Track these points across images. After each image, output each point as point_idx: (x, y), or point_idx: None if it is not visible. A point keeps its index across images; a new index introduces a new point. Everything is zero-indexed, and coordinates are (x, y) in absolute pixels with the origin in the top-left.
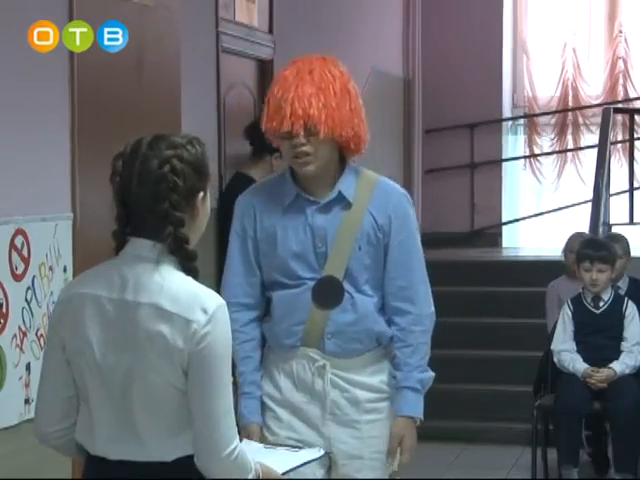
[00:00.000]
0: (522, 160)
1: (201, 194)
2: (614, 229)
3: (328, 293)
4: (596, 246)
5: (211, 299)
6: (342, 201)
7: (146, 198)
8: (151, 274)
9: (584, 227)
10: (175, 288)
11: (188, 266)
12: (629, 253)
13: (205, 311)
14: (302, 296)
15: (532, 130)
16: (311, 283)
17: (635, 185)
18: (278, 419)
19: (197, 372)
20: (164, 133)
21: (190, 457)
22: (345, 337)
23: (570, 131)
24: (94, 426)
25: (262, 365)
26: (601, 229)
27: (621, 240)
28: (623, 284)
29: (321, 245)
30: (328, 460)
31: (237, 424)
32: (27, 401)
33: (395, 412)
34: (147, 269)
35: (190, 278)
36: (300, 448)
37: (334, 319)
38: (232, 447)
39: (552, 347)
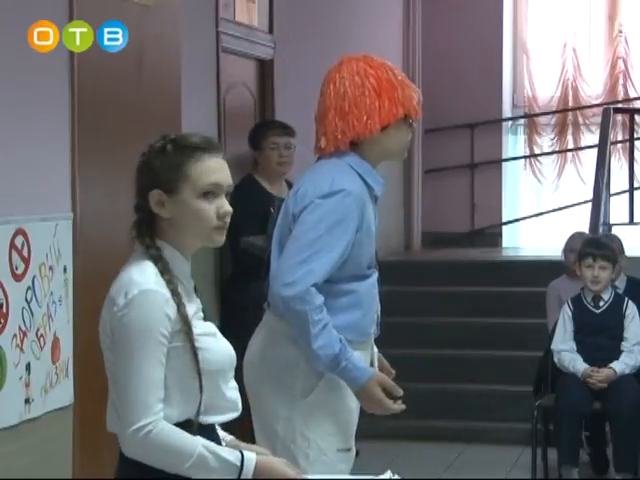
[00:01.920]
0: (522, 160)
1: (155, 193)
2: (614, 229)
3: (380, 279)
4: (599, 244)
5: (137, 285)
6: None
7: None
8: (126, 264)
9: (584, 227)
10: (124, 276)
11: (148, 254)
12: (624, 252)
13: (126, 295)
14: (375, 283)
15: (532, 130)
16: (376, 271)
17: (635, 185)
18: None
19: (116, 350)
20: (185, 133)
21: None
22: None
23: (570, 131)
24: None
25: None
26: (601, 229)
27: (615, 240)
28: (620, 283)
29: (375, 233)
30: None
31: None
32: (27, 401)
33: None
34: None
35: (148, 266)
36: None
37: (378, 302)
38: (140, 424)
39: (552, 347)
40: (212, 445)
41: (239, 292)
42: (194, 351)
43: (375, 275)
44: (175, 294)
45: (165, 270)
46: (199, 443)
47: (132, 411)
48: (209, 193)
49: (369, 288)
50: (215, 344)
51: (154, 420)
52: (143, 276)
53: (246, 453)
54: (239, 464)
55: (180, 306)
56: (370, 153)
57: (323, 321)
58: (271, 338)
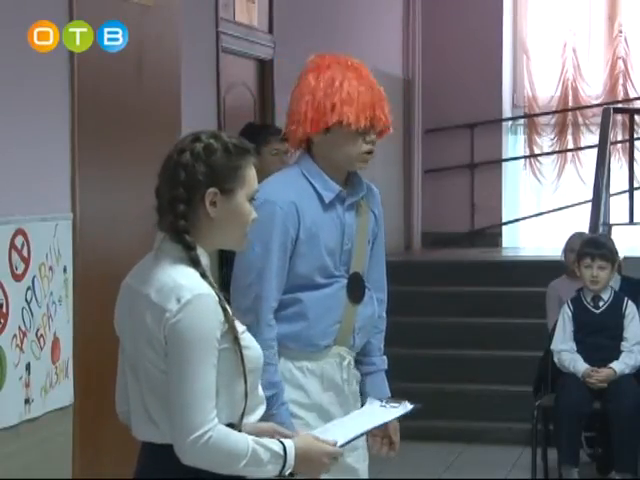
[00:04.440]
0: (522, 160)
1: (212, 191)
2: (614, 229)
3: (356, 289)
4: (597, 244)
5: (189, 289)
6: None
7: (161, 188)
8: (153, 265)
9: (584, 227)
10: (164, 279)
11: (188, 256)
12: (617, 253)
13: (179, 300)
14: (337, 294)
15: (532, 130)
16: (342, 280)
17: (635, 185)
18: (308, 426)
19: (169, 358)
20: (222, 132)
21: None
22: (365, 331)
23: (570, 131)
24: (130, 409)
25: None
26: (601, 229)
27: (608, 241)
28: (615, 283)
29: (348, 242)
30: None
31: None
32: (27, 401)
33: (379, 395)
34: (153, 260)
35: (187, 269)
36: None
37: (361, 314)
38: (200, 432)
39: (552, 347)
40: (257, 438)
41: None
42: (240, 352)
43: (338, 284)
44: (219, 297)
45: (205, 274)
46: (249, 438)
47: (191, 419)
48: (252, 199)
49: (322, 298)
50: (251, 340)
51: (212, 426)
52: (190, 280)
53: (285, 441)
54: (282, 453)
55: (226, 309)
56: (318, 157)
57: (267, 359)
58: None
